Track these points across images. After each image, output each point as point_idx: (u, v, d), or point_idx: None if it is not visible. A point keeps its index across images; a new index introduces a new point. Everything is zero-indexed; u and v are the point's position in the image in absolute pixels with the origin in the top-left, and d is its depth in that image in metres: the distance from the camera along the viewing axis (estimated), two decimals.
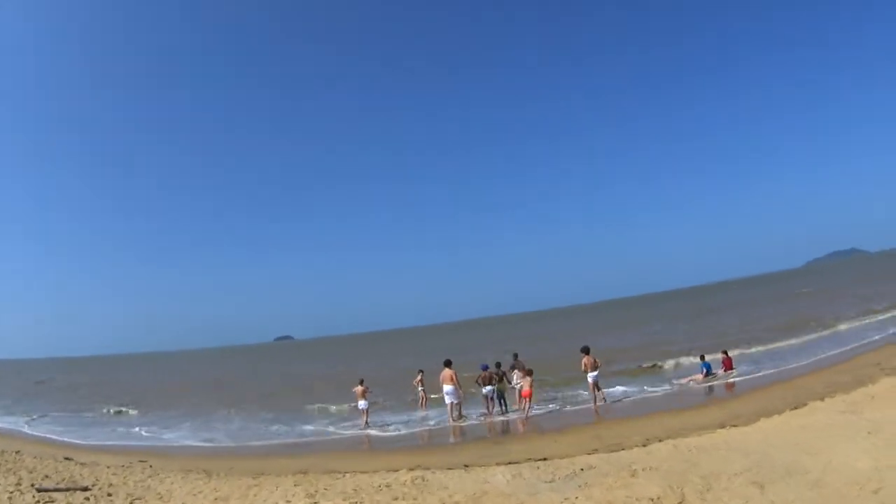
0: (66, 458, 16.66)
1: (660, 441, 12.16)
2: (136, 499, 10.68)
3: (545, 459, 11.55)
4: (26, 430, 28.00)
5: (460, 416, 20.16)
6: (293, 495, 9.80)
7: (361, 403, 21.29)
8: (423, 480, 10.23)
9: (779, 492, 7.41)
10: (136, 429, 25.94)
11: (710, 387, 20.76)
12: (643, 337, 44.60)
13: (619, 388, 21.85)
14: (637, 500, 7.69)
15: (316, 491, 9.99)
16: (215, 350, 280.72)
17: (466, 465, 11.94)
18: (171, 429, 25.04)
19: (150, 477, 13.18)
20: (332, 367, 61.96)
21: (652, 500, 7.60)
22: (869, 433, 9.69)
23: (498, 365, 21.18)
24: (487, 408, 20.51)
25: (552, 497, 8.34)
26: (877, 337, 25.51)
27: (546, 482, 9.24)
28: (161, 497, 10.84)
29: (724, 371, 22.46)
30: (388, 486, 9.99)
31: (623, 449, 11.87)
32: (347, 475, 11.77)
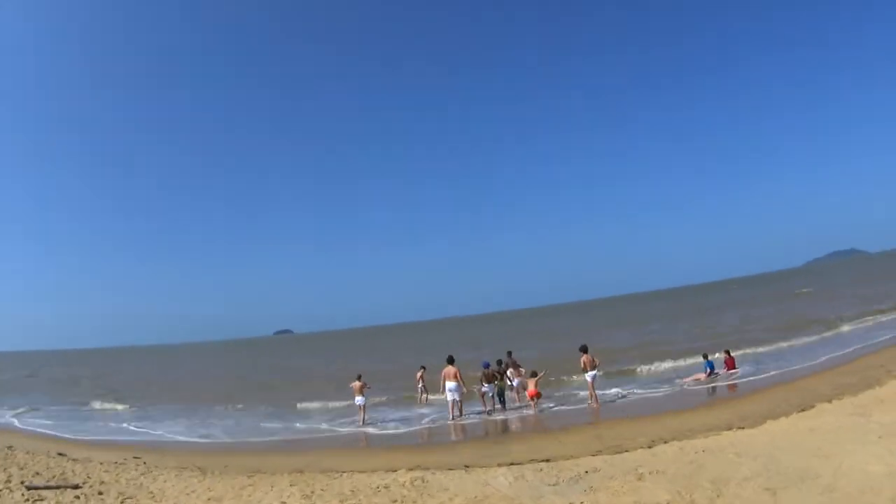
0: (60, 454, 16.40)
1: (665, 443, 11.88)
2: (128, 498, 10.43)
3: (548, 461, 11.27)
4: (17, 424, 27.69)
5: (461, 414, 19.93)
6: (289, 496, 9.54)
7: (359, 399, 21.02)
8: (423, 481, 9.95)
9: (791, 498, 7.15)
10: (131, 423, 25.67)
11: (712, 387, 20.49)
12: (641, 336, 44.28)
13: (613, 389, 21.53)
14: None
15: (312, 492, 9.73)
16: (215, 343, 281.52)
17: (467, 466, 11.64)
18: (167, 424, 24.73)
19: (142, 475, 12.92)
20: (331, 361, 61.86)
21: None
22: (880, 437, 9.44)
23: (499, 363, 21.01)
24: (484, 405, 20.33)
25: (556, 501, 8.08)
26: (880, 338, 25.22)
27: (550, 485, 8.97)
28: (153, 496, 10.59)
29: (727, 371, 22.23)
30: (386, 487, 9.72)
31: (627, 450, 11.57)
32: (345, 475, 11.49)
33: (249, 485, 11.06)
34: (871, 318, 32.80)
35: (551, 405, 20.00)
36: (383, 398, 25.39)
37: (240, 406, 28.58)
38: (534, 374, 19.73)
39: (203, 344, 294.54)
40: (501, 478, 9.84)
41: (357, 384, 21.14)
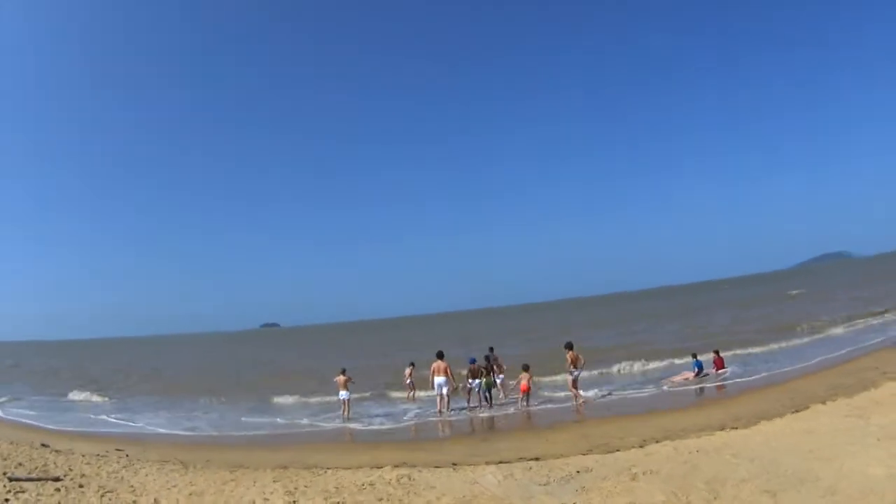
0: (43, 445, 16.04)
1: (657, 442, 11.65)
2: (108, 491, 10.08)
3: (537, 459, 11.03)
4: (0, 414, 27.27)
5: (448, 410, 19.68)
6: (271, 492, 9.22)
7: (343, 394, 20.72)
8: (409, 479, 9.65)
9: (791, 501, 6.96)
10: (114, 415, 25.32)
11: (701, 387, 20.30)
12: (629, 335, 44.16)
13: (598, 388, 21.36)
14: None
15: (296, 488, 9.41)
16: (201, 335, 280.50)
17: (454, 464, 11.35)
18: (150, 416, 24.42)
19: (124, 468, 12.57)
20: (316, 355, 61.52)
21: None
22: (878, 439, 9.28)
23: (487, 359, 20.83)
24: (468, 402, 20.18)
25: (547, 502, 7.83)
26: (872, 341, 25.14)
27: (540, 485, 8.70)
28: (133, 490, 10.24)
29: (716, 371, 22.11)
30: (371, 484, 9.42)
31: (618, 450, 11.32)
32: (329, 471, 11.17)
33: (232, 480, 10.74)
34: (862, 320, 32.81)
35: (535, 403, 19.79)
36: (368, 393, 25.14)
37: (222, 399, 28.25)
38: (525, 368, 19.55)
39: (187, 336, 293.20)
40: (490, 476, 9.57)
41: (341, 378, 20.83)
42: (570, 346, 19.57)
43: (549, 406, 19.34)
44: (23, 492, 9.49)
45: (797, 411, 13.18)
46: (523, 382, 19.25)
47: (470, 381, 20.18)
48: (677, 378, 21.74)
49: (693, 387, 20.55)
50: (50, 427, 22.32)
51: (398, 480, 9.61)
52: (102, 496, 9.77)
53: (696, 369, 21.75)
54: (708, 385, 20.48)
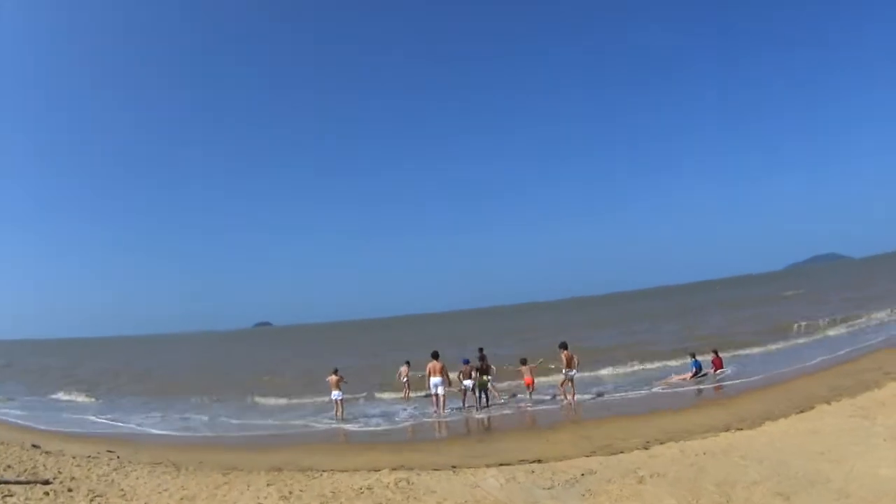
0: (34, 446, 15.79)
1: (661, 444, 11.42)
2: (98, 495, 9.83)
3: (539, 461, 10.76)
4: None
5: (443, 410, 19.45)
6: (265, 497, 8.97)
7: (335, 394, 20.46)
8: (408, 483, 9.39)
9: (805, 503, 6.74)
10: (106, 415, 24.95)
11: (699, 388, 20.10)
12: (627, 335, 43.93)
13: (596, 388, 21.19)
14: None
15: (290, 492, 9.15)
16: (196, 335, 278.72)
17: (454, 467, 11.07)
18: (143, 416, 24.09)
19: (115, 470, 12.32)
20: (309, 355, 61.15)
21: None
22: (885, 440, 9.16)
23: (480, 358, 20.64)
24: (464, 402, 20.04)
25: None
26: (872, 341, 24.98)
27: (544, 488, 8.46)
28: (124, 494, 9.99)
29: (715, 371, 21.93)
30: (369, 488, 9.14)
31: (622, 451, 11.08)
32: (325, 474, 10.88)
33: (224, 483, 10.48)
34: (859, 321, 32.73)
35: (531, 404, 19.63)
36: (362, 393, 24.86)
37: (215, 399, 27.91)
38: (523, 362, 19.63)
39: (182, 335, 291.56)
40: (492, 479, 9.31)
41: (334, 378, 20.56)
42: (564, 346, 19.39)
43: (546, 407, 19.12)
44: (11, 495, 9.26)
45: (802, 412, 13.00)
46: (526, 376, 19.25)
47: (464, 381, 20.00)
48: (675, 378, 21.54)
49: (692, 387, 20.35)
50: (41, 427, 21.98)
51: (396, 484, 9.34)
52: (92, 500, 9.55)
53: (695, 369, 21.57)
54: (707, 385, 20.28)
